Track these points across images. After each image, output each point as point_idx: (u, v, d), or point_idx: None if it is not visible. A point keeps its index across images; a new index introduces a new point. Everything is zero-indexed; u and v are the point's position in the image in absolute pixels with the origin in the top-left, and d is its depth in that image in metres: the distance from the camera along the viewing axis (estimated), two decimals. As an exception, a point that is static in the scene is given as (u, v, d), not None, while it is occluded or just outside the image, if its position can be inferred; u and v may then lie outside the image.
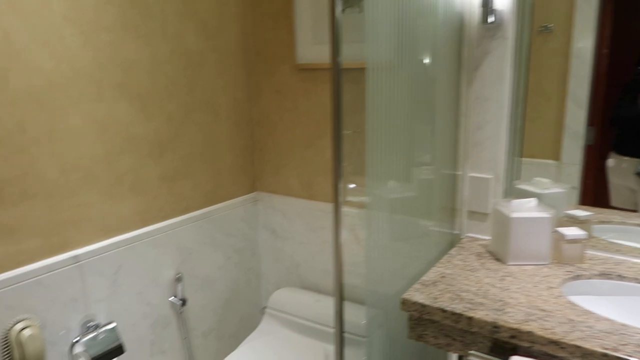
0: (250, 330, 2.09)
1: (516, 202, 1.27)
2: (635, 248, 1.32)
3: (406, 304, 1.10)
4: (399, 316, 1.31)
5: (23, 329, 1.27)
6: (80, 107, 1.38)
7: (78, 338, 1.42)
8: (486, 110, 1.41)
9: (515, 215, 1.23)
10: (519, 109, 1.44)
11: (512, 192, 1.46)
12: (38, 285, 1.32)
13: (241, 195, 1.97)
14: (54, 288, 1.35)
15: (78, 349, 1.41)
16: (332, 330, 1.74)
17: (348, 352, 1.66)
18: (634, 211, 1.33)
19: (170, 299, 1.71)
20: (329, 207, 1.86)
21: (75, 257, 1.40)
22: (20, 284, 1.28)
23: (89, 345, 1.41)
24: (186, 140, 1.71)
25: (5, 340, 1.26)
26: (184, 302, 1.73)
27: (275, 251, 2.05)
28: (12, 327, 1.27)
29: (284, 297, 1.88)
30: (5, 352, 1.26)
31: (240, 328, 2.05)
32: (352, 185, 1.73)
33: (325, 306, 1.80)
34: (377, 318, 1.73)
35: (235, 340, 2.02)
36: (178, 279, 1.71)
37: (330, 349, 1.71)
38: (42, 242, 1.33)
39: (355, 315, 1.71)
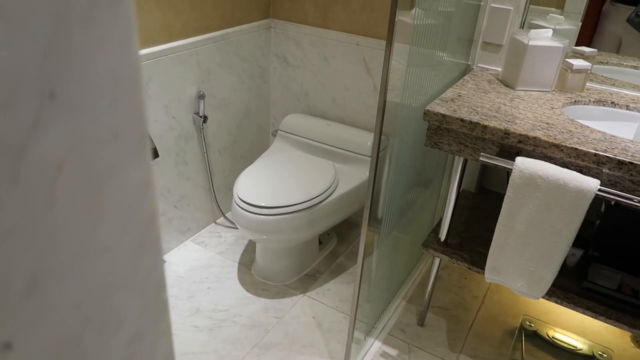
0: (260, 153, 2.27)
1: (534, 32, 1.36)
2: (629, 83, 1.46)
3: (428, 114, 1.25)
4: (407, 136, 1.47)
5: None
6: None
7: (116, 141, 1.55)
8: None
9: (532, 43, 1.33)
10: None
11: (528, 26, 1.54)
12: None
13: (255, 20, 1.98)
14: (93, 92, 1.44)
15: (117, 150, 1.55)
16: (340, 151, 1.92)
17: (363, 168, 1.87)
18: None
19: (193, 115, 1.83)
20: (342, 36, 1.91)
21: (110, 64, 1.46)
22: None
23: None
24: (206, -46, 1.67)
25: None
26: (204, 119, 1.85)
27: (286, 79, 2.13)
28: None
29: (296, 121, 2.02)
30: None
31: (250, 150, 2.22)
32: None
33: (335, 129, 1.95)
34: (389, 142, 1.91)
35: (246, 160, 2.21)
36: (200, 96, 1.81)
37: (338, 166, 1.91)
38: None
39: (366, 138, 1.89)
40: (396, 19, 0.91)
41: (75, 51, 0.18)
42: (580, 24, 1.51)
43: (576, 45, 1.53)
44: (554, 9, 1.56)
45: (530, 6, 1.55)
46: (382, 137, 1.33)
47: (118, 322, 0.24)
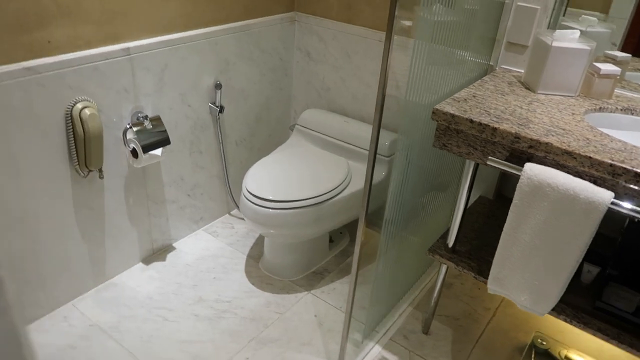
0: (277, 147, 2.25)
1: (559, 33, 1.28)
2: (664, 92, 1.36)
3: (437, 114, 1.19)
4: (420, 136, 1.41)
5: (83, 108, 1.40)
6: None
7: (129, 126, 1.57)
8: None
9: (556, 44, 1.25)
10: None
11: (557, 27, 1.45)
12: (95, 70, 1.41)
13: (279, 12, 1.97)
14: (108, 76, 1.45)
15: (130, 135, 1.57)
16: (356, 148, 1.88)
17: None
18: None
19: (209, 104, 1.83)
20: (366, 31, 1.87)
21: (127, 49, 1.47)
22: (79, 67, 1.38)
23: (139, 133, 1.56)
24: (229, -57, 1.66)
25: (68, 116, 1.40)
26: (221, 109, 1.84)
27: (308, 74, 2.11)
28: (74, 106, 1.40)
29: (314, 116, 1.99)
30: (68, 127, 1.41)
31: (268, 143, 2.21)
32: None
33: (353, 127, 1.91)
34: (400, 141, 1.85)
35: (263, 153, 2.19)
36: (217, 86, 1.80)
37: (353, 164, 1.87)
38: (96, 29, 1.39)
39: (382, 137, 1.84)
40: (396, 12, 0.86)
41: None
42: (615, 27, 1.41)
43: (621, 51, 1.43)
44: (598, 13, 1.46)
45: (569, 9, 1.47)
46: (398, 137, 1.28)
47: None
